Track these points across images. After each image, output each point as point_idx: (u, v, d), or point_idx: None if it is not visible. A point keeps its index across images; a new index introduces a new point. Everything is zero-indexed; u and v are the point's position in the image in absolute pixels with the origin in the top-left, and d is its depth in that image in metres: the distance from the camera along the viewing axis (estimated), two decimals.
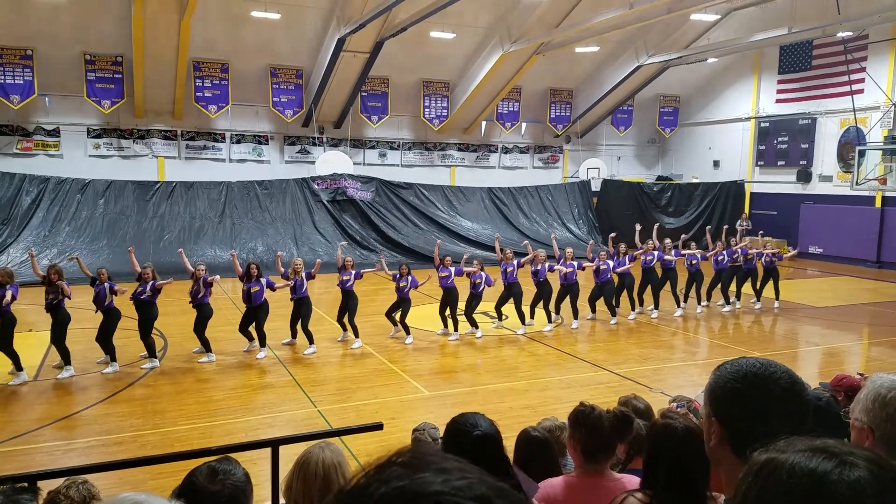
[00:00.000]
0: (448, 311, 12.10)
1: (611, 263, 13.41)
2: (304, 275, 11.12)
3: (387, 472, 0.59)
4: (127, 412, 8.39)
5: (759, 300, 14.88)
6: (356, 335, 11.52)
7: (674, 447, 2.47)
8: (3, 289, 9.23)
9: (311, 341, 11.08)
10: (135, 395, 8.99)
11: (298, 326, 11.21)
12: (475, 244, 22.47)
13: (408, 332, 11.83)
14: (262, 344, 10.82)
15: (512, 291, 12.48)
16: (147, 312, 10.08)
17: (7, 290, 9.26)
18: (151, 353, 10.15)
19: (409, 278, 11.67)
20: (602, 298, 13.44)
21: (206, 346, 10.56)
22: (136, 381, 9.56)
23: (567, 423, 3.22)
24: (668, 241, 14.46)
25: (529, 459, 3.47)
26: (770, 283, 14.66)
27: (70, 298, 9.76)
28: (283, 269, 11.43)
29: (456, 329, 12.12)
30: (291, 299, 11.17)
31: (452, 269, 12.02)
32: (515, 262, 12.68)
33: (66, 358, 9.71)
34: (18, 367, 9.39)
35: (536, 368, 10.47)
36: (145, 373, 9.85)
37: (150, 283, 10.09)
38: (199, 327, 10.50)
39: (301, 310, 11.11)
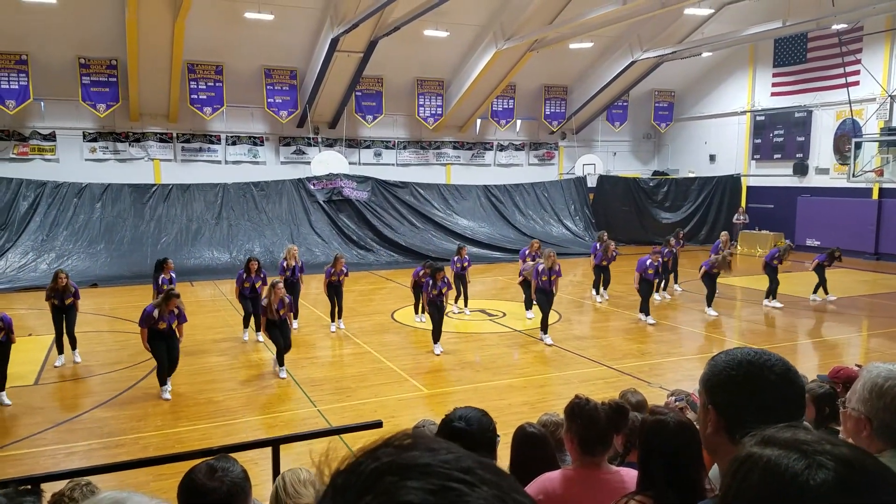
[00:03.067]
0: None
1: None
2: (301, 263, 12.74)
3: (378, 451, 0.65)
4: (127, 415, 8.40)
5: (825, 293, 15.03)
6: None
7: (668, 442, 2.49)
8: None
9: (295, 316, 11.92)
10: (135, 398, 9.00)
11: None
12: (471, 242, 22.46)
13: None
14: (258, 329, 11.60)
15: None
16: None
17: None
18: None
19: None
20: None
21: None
22: (135, 384, 9.58)
23: (563, 416, 3.23)
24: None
25: (526, 456, 3.48)
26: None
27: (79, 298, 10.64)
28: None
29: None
30: (288, 281, 12.03)
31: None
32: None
33: (74, 344, 10.62)
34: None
35: (534, 365, 10.50)
36: (145, 375, 9.86)
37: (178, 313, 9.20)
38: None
39: (293, 289, 12.14)
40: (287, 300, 9.96)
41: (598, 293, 15.54)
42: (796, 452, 0.98)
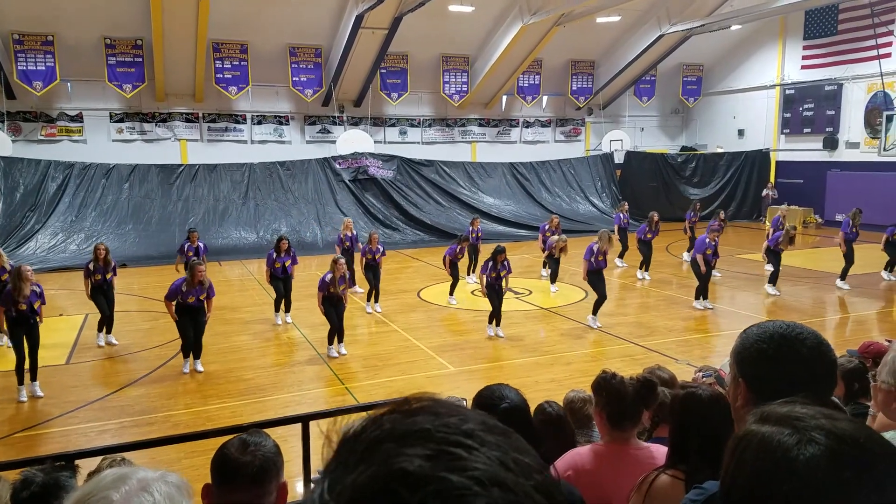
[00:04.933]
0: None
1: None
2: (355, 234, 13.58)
3: (383, 418, 0.65)
4: (157, 393, 8.54)
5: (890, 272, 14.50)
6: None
7: (701, 415, 2.46)
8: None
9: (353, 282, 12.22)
10: (165, 377, 9.14)
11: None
12: (497, 220, 22.41)
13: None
14: (288, 309, 11.76)
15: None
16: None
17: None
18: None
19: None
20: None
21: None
22: (165, 363, 9.72)
23: (591, 392, 3.22)
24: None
25: (544, 436, 3.47)
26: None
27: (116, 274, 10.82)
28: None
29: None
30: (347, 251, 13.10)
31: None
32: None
33: (111, 326, 10.69)
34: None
35: (561, 343, 10.47)
36: (174, 354, 10.01)
37: (207, 286, 9.22)
38: None
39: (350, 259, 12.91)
40: (348, 275, 9.84)
41: (641, 270, 15.12)
42: (789, 428, 0.98)
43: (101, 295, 10.41)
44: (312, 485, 0.68)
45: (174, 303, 9.01)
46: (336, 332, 9.79)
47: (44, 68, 19.14)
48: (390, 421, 0.64)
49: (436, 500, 0.56)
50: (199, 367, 9.24)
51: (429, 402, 0.66)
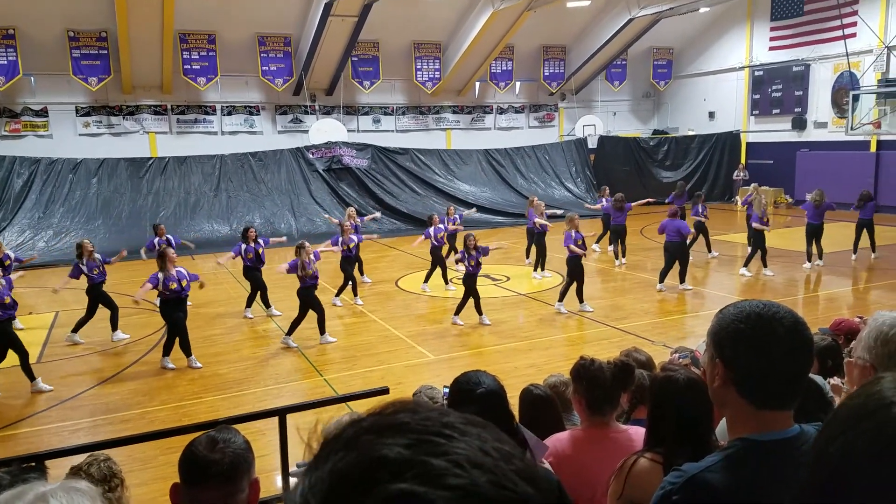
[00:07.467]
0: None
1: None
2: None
3: (362, 419, 0.64)
4: (132, 390, 8.41)
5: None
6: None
7: (677, 398, 2.46)
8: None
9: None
10: (139, 373, 9.02)
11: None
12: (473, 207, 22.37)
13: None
14: (269, 304, 11.63)
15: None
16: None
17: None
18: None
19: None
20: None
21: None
22: (139, 359, 9.59)
23: (570, 378, 3.22)
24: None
25: (533, 418, 3.48)
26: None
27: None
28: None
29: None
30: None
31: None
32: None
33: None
34: None
35: (539, 328, 10.50)
36: (148, 350, 9.87)
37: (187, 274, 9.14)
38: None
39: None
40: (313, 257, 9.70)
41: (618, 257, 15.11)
42: None
43: (95, 294, 10.34)
44: (293, 480, 0.66)
45: (156, 291, 8.92)
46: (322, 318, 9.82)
47: (5, 62, 18.72)
48: (369, 420, 0.64)
49: (416, 481, 0.56)
50: (196, 364, 9.11)
51: (409, 403, 0.66)
